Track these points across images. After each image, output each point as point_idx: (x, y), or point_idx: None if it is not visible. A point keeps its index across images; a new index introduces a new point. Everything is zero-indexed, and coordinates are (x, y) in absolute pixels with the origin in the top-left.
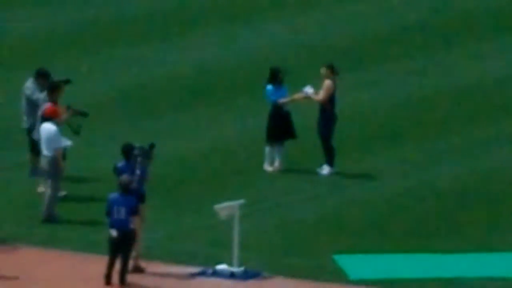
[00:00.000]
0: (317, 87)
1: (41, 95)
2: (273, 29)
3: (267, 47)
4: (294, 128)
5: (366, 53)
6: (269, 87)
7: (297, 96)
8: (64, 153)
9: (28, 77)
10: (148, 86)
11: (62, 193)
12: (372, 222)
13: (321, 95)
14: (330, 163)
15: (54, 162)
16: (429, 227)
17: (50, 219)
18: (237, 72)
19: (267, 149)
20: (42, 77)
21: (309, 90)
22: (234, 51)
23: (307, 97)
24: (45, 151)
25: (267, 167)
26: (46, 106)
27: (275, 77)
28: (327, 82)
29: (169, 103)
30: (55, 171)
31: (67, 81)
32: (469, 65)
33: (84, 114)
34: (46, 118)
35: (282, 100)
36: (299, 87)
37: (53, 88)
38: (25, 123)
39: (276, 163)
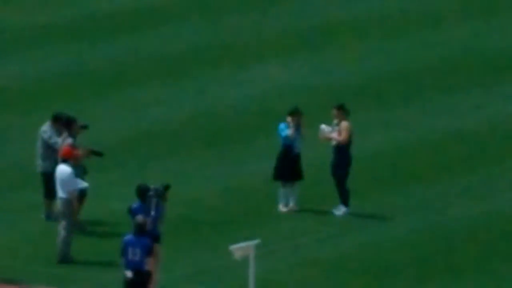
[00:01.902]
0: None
1: (59, 139)
2: (287, 69)
3: (282, 88)
4: (302, 170)
5: (380, 93)
6: (282, 125)
7: (321, 137)
8: (83, 195)
9: (42, 119)
10: (162, 127)
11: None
12: (387, 263)
13: (343, 135)
14: (346, 203)
15: (69, 203)
16: (446, 266)
17: (65, 259)
18: (252, 113)
19: (281, 190)
20: (59, 121)
21: (326, 128)
22: (249, 92)
23: (327, 137)
24: (60, 192)
25: (282, 208)
26: (63, 147)
27: (289, 119)
28: (345, 123)
29: (184, 144)
30: (69, 212)
31: (84, 127)
32: (485, 106)
33: (99, 154)
34: (62, 159)
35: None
36: (314, 127)
37: (69, 123)
38: (39, 167)
39: (291, 204)
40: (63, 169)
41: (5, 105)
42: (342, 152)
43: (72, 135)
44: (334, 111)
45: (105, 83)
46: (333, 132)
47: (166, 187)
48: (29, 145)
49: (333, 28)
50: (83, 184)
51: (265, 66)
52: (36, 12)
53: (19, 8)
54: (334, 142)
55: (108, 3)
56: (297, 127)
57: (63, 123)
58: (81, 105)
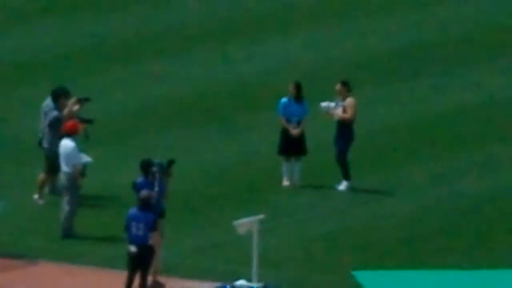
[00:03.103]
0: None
1: (61, 114)
2: (288, 45)
3: (285, 63)
4: (304, 144)
5: (384, 68)
6: (283, 100)
7: (324, 113)
8: (84, 170)
9: (47, 93)
10: (166, 101)
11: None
12: (391, 237)
13: (349, 113)
14: (347, 177)
15: (73, 178)
16: (448, 242)
17: (69, 234)
18: (258, 87)
19: (284, 164)
20: (59, 95)
21: (328, 104)
22: (254, 67)
23: (331, 113)
24: (64, 167)
25: (285, 182)
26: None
27: (291, 91)
28: (351, 100)
29: (189, 118)
30: (73, 187)
31: (86, 99)
32: (489, 81)
33: (89, 121)
34: (65, 134)
35: (295, 128)
36: (315, 102)
37: (56, 95)
38: (45, 142)
39: (295, 178)
40: (66, 144)
41: (6, 79)
42: (345, 128)
43: (59, 108)
44: (338, 87)
45: (111, 57)
46: (337, 108)
47: (170, 162)
48: (31, 119)
49: (337, 3)
50: (87, 158)
51: (271, 40)
52: None
53: None
54: (337, 118)
55: None
56: (296, 100)
57: (52, 93)
58: (86, 79)
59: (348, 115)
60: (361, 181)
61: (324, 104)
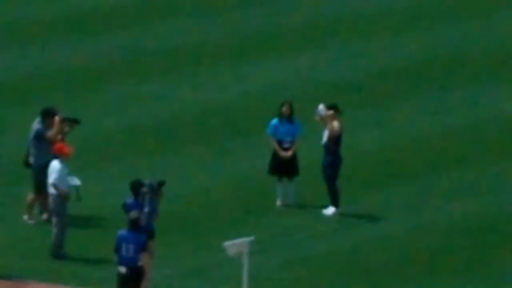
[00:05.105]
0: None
1: (44, 128)
2: (281, 66)
3: (278, 84)
4: (296, 165)
5: (374, 90)
6: (273, 121)
7: (318, 118)
8: (78, 193)
9: (37, 114)
10: (158, 122)
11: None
12: (380, 261)
13: (334, 128)
14: (335, 204)
15: (60, 200)
16: (439, 265)
17: (59, 255)
18: (251, 108)
19: (278, 184)
20: (47, 114)
21: (322, 109)
22: (247, 88)
23: (321, 118)
24: (51, 189)
25: (278, 202)
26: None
27: (279, 111)
28: (336, 123)
29: (180, 139)
30: (60, 209)
31: (75, 121)
32: (479, 103)
33: (76, 121)
34: (54, 155)
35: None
36: (305, 123)
37: (45, 113)
38: (30, 157)
39: (289, 198)
40: (54, 165)
41: None
42: (332, 153)
43: (47, 126)
44: (329, 112)
45: (101, 77)
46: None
47: (161, 183)
48: (23, 140)
49: (329, 25)
50: (76, 181)
51: (262, 62)
52: (30, 7)
53: (12, 2)
54: (324, 139)
55: None
56: (287, 120)
57: (42, 112)
58: (76, 100)
59: (334, 128)
60: (350, 204)
61: (321, 106)
